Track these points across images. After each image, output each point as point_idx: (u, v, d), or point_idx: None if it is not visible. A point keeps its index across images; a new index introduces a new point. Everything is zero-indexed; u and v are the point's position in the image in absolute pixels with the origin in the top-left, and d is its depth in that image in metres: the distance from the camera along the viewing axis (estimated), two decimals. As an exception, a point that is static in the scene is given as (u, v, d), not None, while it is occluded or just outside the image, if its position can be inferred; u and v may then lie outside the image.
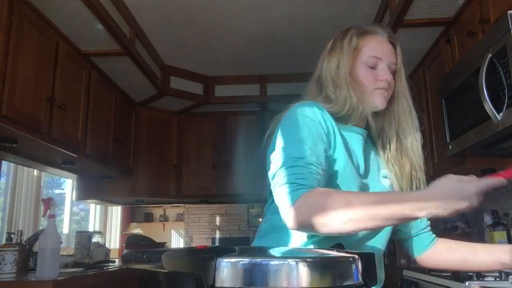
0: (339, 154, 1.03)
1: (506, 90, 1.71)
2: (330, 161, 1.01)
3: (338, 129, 1.05)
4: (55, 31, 2.56)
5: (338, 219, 0.84)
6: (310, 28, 3.15)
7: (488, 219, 2.44)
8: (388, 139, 1.14)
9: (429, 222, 1.24)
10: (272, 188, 0.96)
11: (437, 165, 2.74)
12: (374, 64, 1.11)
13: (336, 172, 1.01)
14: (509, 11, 1.71)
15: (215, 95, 4.08)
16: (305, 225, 0.88)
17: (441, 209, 0.84)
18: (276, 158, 0.97)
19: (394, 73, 1.15)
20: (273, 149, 1.01)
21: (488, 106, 1.82)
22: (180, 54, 3.57)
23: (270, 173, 0.98)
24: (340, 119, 1.08)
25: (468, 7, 2.24)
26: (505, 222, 2.38)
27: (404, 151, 1.14)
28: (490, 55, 1.82)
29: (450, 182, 0.86)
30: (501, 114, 1.76)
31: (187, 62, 3.74)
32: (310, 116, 1.01)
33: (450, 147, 2.32)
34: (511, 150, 2.16)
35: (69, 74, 2.69)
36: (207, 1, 2.80)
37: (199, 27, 3.13)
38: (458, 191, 0.84)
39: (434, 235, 1.23)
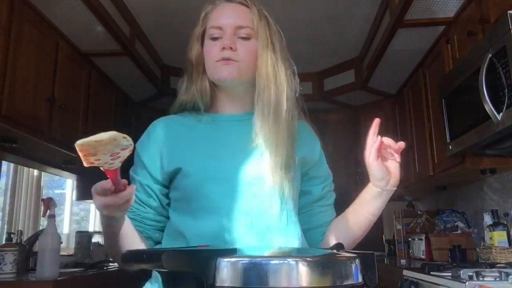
0: (185, 155, 0.99)
1: (506, 90, 1.71)
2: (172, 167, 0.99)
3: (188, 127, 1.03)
4: (55, 31, 2.56)
5: None
6: (310, 28, 3.15)
7: (488, 219, 2.44)
8: (262, 115, 0.98)
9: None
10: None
11: (437, 165, 2.74)
12: (219, 34, 1.00)
13: (189, 169, 0.97)
14: (509, 11, 1.71)
15: (215, 95, 4.07)
16: None
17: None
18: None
19: (250, 37, 1.01)
20: None
21: (488, 106, 1.82)
22: (180, 54, 3.54)
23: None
24: (201, 107, 1.04)
25: (468, 7, 2.24)
26: (505, 222, 2.38)
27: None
28: (490, 55, 1.82)
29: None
30: (501, 114, 1.77)
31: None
32: (141, 147, 1.12)
33: (450, 147, 2.32)
34: (511, 150, 2.16)
35: (69, 74, 2.69)
36: (207, 1, 2.80)
37: (199, 27, 3.13)
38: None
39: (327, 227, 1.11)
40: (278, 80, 0.99)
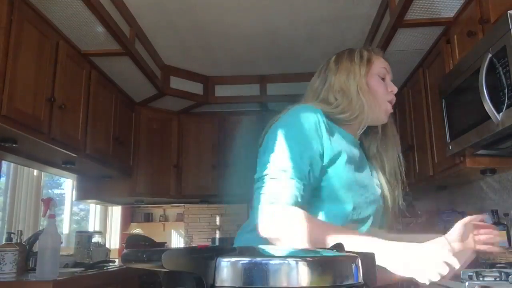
0: (333, 150, 1.06)
1: (506, 90, 1.71)
2: (324, 159, 1.05)
3: (334, 129, 1.12)
4: (55, 31, 2.56)
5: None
6: (310, 28, 3.15)
7: (488, 219, 2.44)
8: (379, 154, 1.23)
9: None
10: (254, 191, 1.01)
11: (437, 165, 2.74)
12: (384, 75, 1.19)
13: (332, 166, 1.06)
14: (509, 11, 1.71)
15: (215, 95, 4.08)
16: (270, 239, 0.93)
17: (421, 277, 0.85)
18: (262, 164, 1.02)
19: None
20: (264, 151, 1.06)
21: (488, 106, 1.82)
22: (180, 54, 3.57)
23: (255, 176, 1.03)
24: (334, 122, 1.14)
25: (468, 7, 2.24)
26: (505, 222, 2.38)
27: (385, 170, 1.23)
28: (490, 55, 1.82)
29: (440, 249, 0.88)
30: (501, 114, 1.76)
31: (187, 62, 3.74)
32: (303, 121, 1.05)
33: (450, 147, 2.32)
34: (511, 150, 2.16)
35: (69, 74, 2.69)
36: (207, 1, 2.80)
37: (199, 27, 3.13)
38: (444, 262, 0.85)
39: None
40: (395, 132, 1.28)
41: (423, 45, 2.82)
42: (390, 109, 1.19)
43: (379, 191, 1.19)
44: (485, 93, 1.83)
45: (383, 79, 1.19)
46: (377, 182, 1.21)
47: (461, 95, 2.21)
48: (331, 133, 1.08)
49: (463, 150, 2.24)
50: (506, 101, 1.72)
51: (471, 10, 2.20)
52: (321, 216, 1.04)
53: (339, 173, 1.06)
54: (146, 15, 2.95)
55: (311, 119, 1.05)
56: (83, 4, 2.37)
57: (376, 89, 1.17)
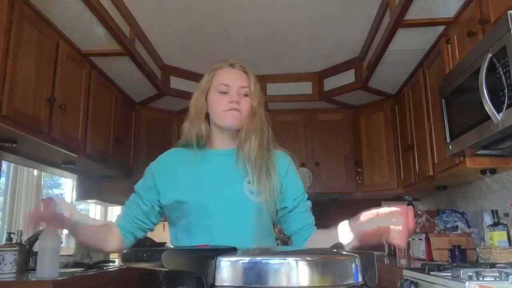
0: (165, 186, 1.37)
1: (506, 90, 1.71)
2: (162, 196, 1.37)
3: (185, 159, 1.38)
4: (55, 31, 2.56)
5: None
6: (310, 28, 3.15)
7: (488, 219, 2.44)
8: (247, 151, 1.32)
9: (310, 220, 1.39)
10: None
11: (437, 165, 2.74)
12: (225, 89, 1.33)
13: (185, 198, 1.30)
14: (509, 11, 1.71)
15: (215, 95, 4.07)
16: None
17: None
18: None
19: (248, 95, 1.35)
20: None
21: (488, 106, 1.82)
22: (180, 54, 3.57)
23: None
24: (208, 144, 1.39)
25: (468, 7, 2.24)
26: (505, 222, 2.38)
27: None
28: (490, 55, 1.82)
29: None
30: (501, 114, 1.77)
31: (187, 62, 3.74)
32: (146, 173, 1.54)
33: (450, 147, 2.32)
34: (511, 150, 2.16)
35: (69, 74, 2.69)
36: (207, 1, 2.80)
37: (199, 27, 3.13)
38: None
39: (310, 231, 1.37)
40: (264, 127, 1.36)
41: (423, 45, 2.82)
42: (231, 115, 1.32)
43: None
44: (485, 93, 1.83)
45: (223, 92, 1.33)
46: (247, 181, 1.30)
47: (461, 95, 2.21)
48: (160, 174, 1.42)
49: (463, 150, 2.24)
50: (506, 101, 1.72)
51: (471, 10, 2.20)
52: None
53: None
54: (146, 15, 2.95)
55: (149, 173, 1.52)
56: (83, 4, 2.37)
57: (214, 104, 1.35)
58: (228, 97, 1.33)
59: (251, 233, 1.26)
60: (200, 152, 1.37)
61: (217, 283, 0.48)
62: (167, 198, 1.34)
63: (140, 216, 1.39)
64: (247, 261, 0.49)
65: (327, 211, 5.92)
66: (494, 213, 2.40)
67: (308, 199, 1.42)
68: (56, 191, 4.58)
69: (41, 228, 2.13)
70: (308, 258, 0.51)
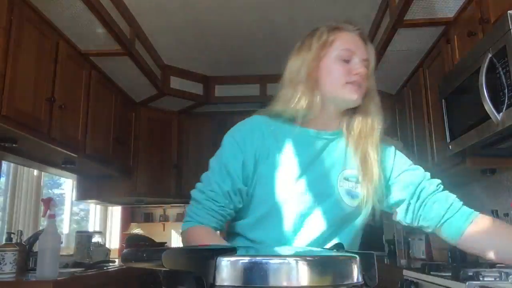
0: (269, 163, 1.06)
1: (506, 90, 1.71)
2: (255, 172, 1.06)
3: (278, 135, 1.08)
4: (55, 31, 2.56)
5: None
6: (310, 28, 3.13)
7: (488, 219, 2.44)
8: (357, 137, 1.10)
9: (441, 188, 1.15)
10: None
11: (437, 165, 2.74)
12: (348, 57, 1.08)
13: (264, 178, 1.05)
14: (509, 11, 1.71)
15: (215, 95, 4.07)
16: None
17: None
18: (200, 181, 1.10)
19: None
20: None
21: (488, 106, 1.82)
22: (180, 54, 3.57)
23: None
24: (299, 119, 1.08)
25: (468, 7, 2.24)
26: (505, 222, 2.38)
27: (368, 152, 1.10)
28: (490, 55, 1.82)
29: None
30: (501, 114, 1.76)
31: (187, 62, 3.74)
32: (235, 140, 1.10)
33: (450, 147, 2.32)
34: (511, 150, 2.16)
35: (69, 74, 2.69)
36: (207, 1, 2.80)
37: (199, 27, 3.13)
38: None
39: (465, 216, 1.12)
40: (379, 110, 1.13)
41: (423, 45, 2.82)
42: (354, 89, 1.07)
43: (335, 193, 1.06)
44: (485, 93, 1.83)
45: (346, 61, 1.07)
46: (347, 176, 1.09)
47: (461, 95, 2.21)
48: (264, 149, 1.06)
49: (463, 150, 2.24)
50: (506, 101, 1.72)
51: (471, 10, 2.20)
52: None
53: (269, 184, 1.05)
54: (146, 15, 2.95)
55: (244, 136, 1.10)
56: (83, 4, 2.37)
57: (333, 73, 1.08)
58: (349, 67, 1.07)
59: (326, 241, 1.04)
60: (299, 130, 1.08)
61: (217, 283, 0.48)
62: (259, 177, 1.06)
63: (232, 213, 1.08)
64: (247, 261, 0.49)
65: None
66: (494, 213, 2.40)
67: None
68: (56, 191, 4.58)
69: (41, 228, 2.13)
70: (308, 258, 0.51)
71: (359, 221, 1.09)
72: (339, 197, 1.05)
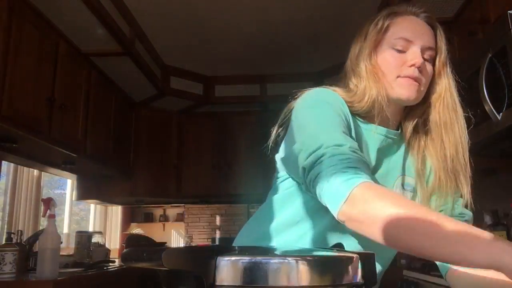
0: None
1: (506, 90, 1.71)
2: None
3: (354, 120, 0.93)
4: (55, 31, 2.56)
5: (391, 226, 0.68)
6: (310, 27, 3.15)
7: (488, 219, 2.44)
8: (422, 142, 0.96)
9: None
10: (309, 182, 0.79)
11: (437, 165, 2.74)
12: (403, 47, 0.92)
13: None
14: (509, 11, 1.71)
15: (215, 95, 4.08)
16: (356, 220, 0.72)
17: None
18: (306, 148, 0.79)
19: (432, 60, 0.96)
20: (291, 140, 0.88)
21: (488, 106, 1.82)
22: (180, 54, 3.57)
23: (302, 164, 0.79)
24: (361, 116, 0.94)
25: (468, 7, 2.24)
26: (505, 222, 2.38)
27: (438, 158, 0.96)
28: (490, 55, 1.82)
29: None
30: (501, 114, 1.77)
31: (187, 62, 3.74)
32: (331, 100, 0.90)
33: (450, 147, 2.32)
34: (511, 150, 2.16)
35: (69, 74, 2.69)
36: (207, 1, 2.80)
37: (199, 27, 3.13)
38: None
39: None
40: (453, 107, 0.97)
41: (423, 45, 2.82)
42: (406, 84, 0.90)
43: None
44: (485, 93, 1.83)
45: (401, 51, 0.92)
46: (407, 183, 0.98)
47: (461, 95, 2.21)
48: (350, 126, 0.90)
49: (463, 150, 2.23)
50: (506, 101, 1.72)
51: (471, 10, 2.20)
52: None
53: None
54: (146, 15, 2.95)
55: (337, 100, 0.91)
56: (83, 4, 2.37)
57: (384, 65, 0.93)
58: (405, 58, 0.91)
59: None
60: (366, 125, 0.95)
61: (217, 282, 0.48)
62: None
63: None
64: (247, 260, 0.49)
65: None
66: (494, 213, 2.40)
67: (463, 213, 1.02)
68: (56, 191, 4.58)
69: (41, 228, 2.14)
70: (308, 258, 0.51)
71: None
72: None
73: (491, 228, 2.36)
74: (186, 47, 3.45)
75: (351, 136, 0.85)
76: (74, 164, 3.03)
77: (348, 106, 0.92)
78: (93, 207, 4.90)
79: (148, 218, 8.07)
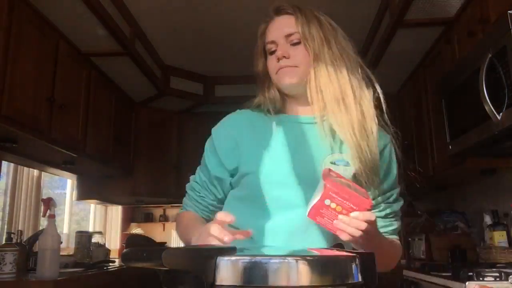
0: (249, 153, 1.06)
1: (506, 90, 1.71)
2: (238, 163, 1.08)
3: (256, 125, 1.10)
4: (55, 31, 2.56)
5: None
6: (310, 28, 3.14)
7: (488, 219, 2.45)
8: (331, 119, 1.01)
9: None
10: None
11: (437, 165, 2.74)
12: (272, 48, 1.09)
13: (249, 169, 1.04)
14: (509, 11, 1.71)
15: (215, 95, 4.07)
16: None
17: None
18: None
19: (300, 42, 1.06)
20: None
21: (488, 106, 1.82)
22: (180, 54, 3.57)
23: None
24: (278, 110, 1.11)
25: (468, 7, 2.24)
26: (505, 222, 2.38)
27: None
28: (490, 55, 1.82)
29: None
30: (501, 114, 1.77)
31: (187, 62, 3.74)
32: (216, 134, 1.17)
33: (450, 147, 2.32)
34: (511, 150, 2.16)
35: (69, 74, 2.69)
36: (207, 1, 2.80)
37: (199, 27, 3.13)
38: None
39: None
40: (340, 75, 1.03)
41: (423, 45, 2.82)
42: (283, 74, 1.06)
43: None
44: (485, 93, 1.83)
45: (273, 51, 1.09)
46: (333, 159, 1.03)
47: (461, 95, 2.21)
48: (241, 140, 1.09)
49: (463, 150, 2.24)
50: (506, 101, 1.72)
51: (471, 10, 2.20)
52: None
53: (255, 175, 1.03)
54: (146, 15, 2.95)
55: (223, 130, 1.17)
56: (83, 4, 2.37)
57: (269, 69, 1.11)
58: (275, 56, 1.07)
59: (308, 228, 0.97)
60: (277, 118, 1.09)
61: (217, 282, 0.48)
62: (243, 166, 1.06)
63: (214, 203, 1.14)
64: (247, 260, 0.49)
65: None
66: (494, 213, 2.40)
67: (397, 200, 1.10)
68: (56, 191, 4.58)
69: (41, 228, 2.13)
70: (308, 258, 0.51)
71: None
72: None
73: (491, 228, 2.37)
74: (186, 47, 3.45)
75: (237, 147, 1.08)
76: (74, 164, 3.03)
77: (262, 105, 1.12)
78: (93, 207, 4.90)
79: (148, 218, 8.06)
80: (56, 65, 2.53)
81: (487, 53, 1.84)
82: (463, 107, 2.20)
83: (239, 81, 4.06)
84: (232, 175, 1.10)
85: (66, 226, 4.29)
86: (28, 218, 3.32)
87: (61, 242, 2.22)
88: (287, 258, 0.50)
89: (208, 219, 1.13)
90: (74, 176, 3.76)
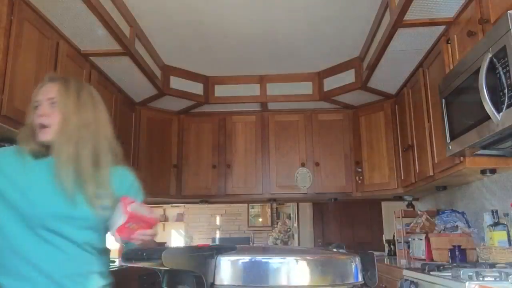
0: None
1: (506, 90, 1.71)
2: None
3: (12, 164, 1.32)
4: (55, 31, 2.56)
5: None
6: (310, 28, 3.15)
7: (488, 219, 2.45)
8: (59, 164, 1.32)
9: None
10: None
11: (437, 165, 2.74)
12: (36, 104, 1.37)
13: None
14: (509, 11, 1.71)
15: (215, 95, 4.07)
16: None
17: None
18: None
19: (56, 103, 1.37)
20: None
21: (488, 106, 1.82)
22: (180, 54, 3.57)
23: None
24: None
25: (468, 7, 2.24)
26: (505, 222, 2.38)
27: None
28: (490, 55, 1.82)
29: None
30: (501, 114, 1.77)
31: (187, 62, 3.74)
32: None
33: (450, 147, 2.32)
34: (511, 150, 2.16)
35: (69, 74, 2.69)
36: (207, 1, 2.80)
37: (199, 27, 3.13)
38: None
39: None
40: (82, 132, 1.35)
41: (423, 45, 2.82)
42: (40, 130, 1.32)
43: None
44: (485, 93, 1.83)
45: (36, 107, 1.36)
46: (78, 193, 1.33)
47: (461, 95, 2.21)
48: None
49: (463, 150, 2.24)
50: (506, 101, 1.72)
51: (471, 10, 2.20)
52: None
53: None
54: (146, 15, 2.95)
55: None
56: (83, 4, 2.37)
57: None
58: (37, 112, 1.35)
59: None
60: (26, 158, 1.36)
61: (217, 282, 0.48)
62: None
63: None
64: (247, 260, 0.49)
65: (326, 211, 5.92)
66: (494, 213, 2.40)
67: None
68: (56, 191, 4.58)
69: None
70: (308, 258, 0.51)
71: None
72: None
73: (491, 228, 2.37)
74: (186, 47, 3.45)
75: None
76: (74, 164, 3.02)
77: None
78: (93, 207, 4.90)
79: (148, 218, 8.08)
80: (56, 65, 2.53)
81: (487, 53, 1.84)
82: (463, 107, 2.20)
83: (239, 81, 4.07)
84: None
85: (66, 226, 4.29)
86: (28, 218, 3.32)
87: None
88: (287, 258, 0.50)
89: None
90: (74, 176, 3.76)
